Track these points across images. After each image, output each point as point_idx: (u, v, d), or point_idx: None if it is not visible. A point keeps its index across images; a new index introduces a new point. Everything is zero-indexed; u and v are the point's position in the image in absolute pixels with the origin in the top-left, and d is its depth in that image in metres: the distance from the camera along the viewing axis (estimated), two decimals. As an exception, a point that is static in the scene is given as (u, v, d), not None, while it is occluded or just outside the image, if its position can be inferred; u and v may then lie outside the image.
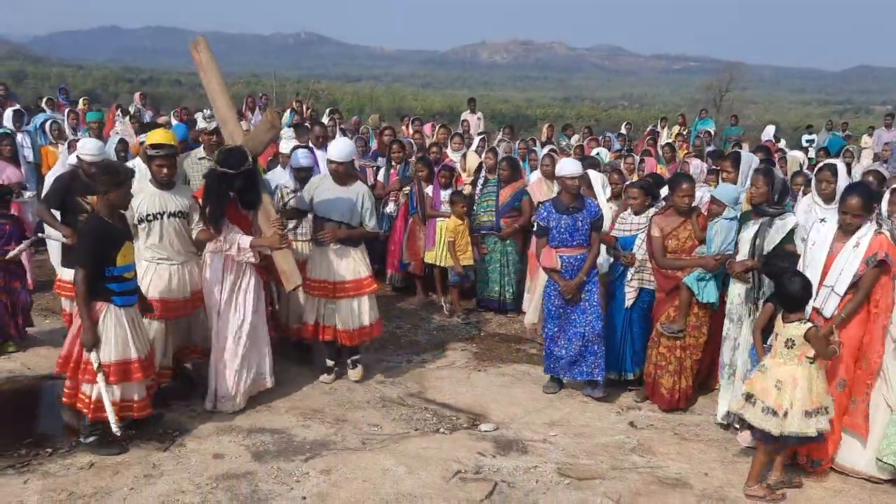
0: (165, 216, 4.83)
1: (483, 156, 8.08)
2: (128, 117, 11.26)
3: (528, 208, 7.38)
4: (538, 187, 7.43)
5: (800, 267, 4.49)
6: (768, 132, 14.65)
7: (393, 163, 8.41)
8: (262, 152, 5.22)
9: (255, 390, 5.13)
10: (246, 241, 4.85)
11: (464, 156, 8.75)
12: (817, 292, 4.36)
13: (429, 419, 5.10)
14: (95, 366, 4.17)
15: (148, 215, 4.79)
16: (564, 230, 5.33)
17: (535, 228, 5.59)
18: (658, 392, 5.33)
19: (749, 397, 4.13)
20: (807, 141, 16.39)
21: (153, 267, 4.87)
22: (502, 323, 7.43)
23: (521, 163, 8.08)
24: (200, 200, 5.02)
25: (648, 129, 13.20)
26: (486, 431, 4.89)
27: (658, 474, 4.38)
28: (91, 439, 4.31)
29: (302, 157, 6.14)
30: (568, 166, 5.38)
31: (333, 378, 5.60)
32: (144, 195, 4.81)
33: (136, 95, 14.79)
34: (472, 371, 6.05)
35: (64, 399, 4.40)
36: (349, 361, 5.63)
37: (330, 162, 5.43)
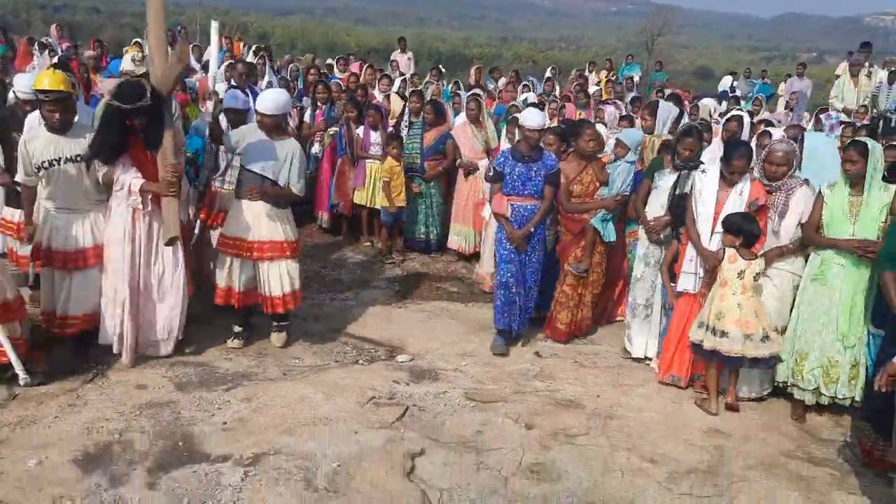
0: (62, 162, 4.59)
1: (408, 99, 8.21)
2: (46, 51, 10.81)
3: (452, 151, 7.60)
4: (462, 131, 7.63)
5: (693, 214, 4.89)
6: (725, 82, 14.79)
7: (318, 103, 8.46)
8: (171, 90, 4.83)
9: (149, 351, 4.93)
10: (137, 183, 4.62)
11: (387, 97, 8.86)
12: (710, 238, 4.79)
13: (348, 352, 5.38)
14: None
15: (44, 162, 4.58)
16: (518, 178, 5.31)
17: (490, 174, 5.61)
18: (554, 326, 5.72)
19: (702, 325, 4.64)
20: (728, 88, 17.00)
21: (52, 216, 4.70)
22: (426, 262, 7.72)
23: (445, 106, 8.23)
24: None
25: (575, 74, 13.46)
26: (401, 362, 5.22)
27: (556, 397, 4.80)
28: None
29: (234, 98, 5.83)
30: (532, 117, 5.30)
31: (242, 344, 5.27)
32: (39, 141, 4.60)
33: (53, 28, 14.05)
34: (394, 308, 6.34)
35: None
36: (273, 323, 5.34)
37: (257, 113, 5.08)
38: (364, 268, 7.40)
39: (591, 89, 11.31)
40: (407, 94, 8.96)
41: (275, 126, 5.07)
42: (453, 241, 7.71)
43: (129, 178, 4.62)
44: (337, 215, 8.27)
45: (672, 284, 5.03)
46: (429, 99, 8.37)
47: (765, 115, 9.66)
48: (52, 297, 4.78)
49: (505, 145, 6.47)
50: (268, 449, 3.92)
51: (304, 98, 8.96)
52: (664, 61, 22.30)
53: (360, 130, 7.87)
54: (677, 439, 4.35)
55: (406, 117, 8.16)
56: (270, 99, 5.07)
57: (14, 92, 5.62)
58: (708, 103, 9.37)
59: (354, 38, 48.71)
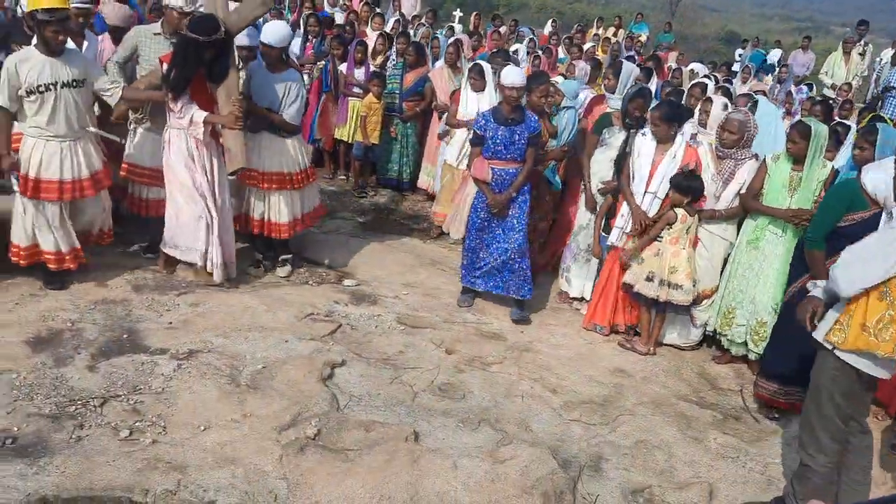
0: (58, 86, 4.49)
1: (395, 39, 8.41)
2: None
3: (430, 94, 7.83)
4: (440, 74, 7.85)
5: (629, 172, 5.17)
6: (774, 55, 14.29)
7: (309, 36, 8.67)
8: (243, 29, 5.02)
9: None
10: (200, 115, 4.77)
11: (380, 35, 9.03)
12: (642, 197, 5.09)
13: (300, 273, 5.75)
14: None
15: (39, 86, 4.43)
16: (500, 142, 5.16)
17: (470, 137, 5.50)
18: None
19: (651, 278, 4.97)
20: (739, 55, 16.92)
21: (41, 144, 4.56)
22: (395, 199, 8.03)
23: (426, 49, 8.42)
24: (165, 66, 4.80)
25: (575, 29, 13.48)
26: (346, 286, 5.59)
27: (482, 329, 5.18)
28: None
29: (243, 35, 5.50)
30: (511, 75, 5.15)
31: (263, 272, 5.61)
32: (32, 63, 4.43)
33: None
34: (352, 238, 6.68)
35: None
36: (279, 259, 5.67)
37: (261, 45, 5.20)
38: (334, 199, 7.72)
39: (588, 45, 11.37)
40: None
41: (277, 58, 5.23)
42: (423, 181, 8.00)
43: (192, 109, 4.77)
44: (318, 149, 8.55)
45: (603, 235, 5.35)
46: (413, 40, 8.55)
47: (748, 85, 9.79)
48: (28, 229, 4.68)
49: (467, 91, 6.67)
50: (202, 347, 4.33)
51: (297, 30, 9.15)
52: (689, 24, 22.03)
53: (343, 66, 8.10)
54: (581, 375, 4.73)
55: (392, 57, 8.37)
56: (273, 31, 5.18)
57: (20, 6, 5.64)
58: (696, 68, 9.49)
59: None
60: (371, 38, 9.21)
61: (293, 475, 3.35)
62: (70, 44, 4.74)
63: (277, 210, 5.45)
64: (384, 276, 5.88)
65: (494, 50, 8.43)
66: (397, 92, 7.94)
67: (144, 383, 3.93)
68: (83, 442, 3.43)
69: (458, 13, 13.92)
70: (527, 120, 5.23)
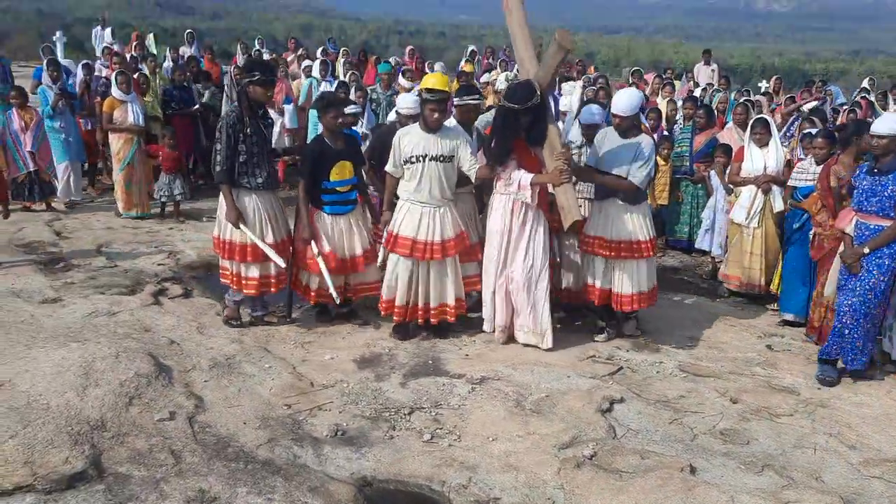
0: (427, 159, 4.96)
1: (683, 104, 8.57)
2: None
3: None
4: (729, 135, 7.79)
5: None
6: None
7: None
8: (550, 80, 5.10)
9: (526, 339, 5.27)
10: (527, 178, 4.86)
11: (669, 101, 9.26)
12: None
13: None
14: (315, 253, 5.23)
15: (411, 157, 4.99)
16: (863, 192, 4.80)
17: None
18: (811, 323, 5.67)
19: None
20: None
21: (407, 206, 5.11)
22: (683, 260, 8.02)
23: (714, 111, 8.42)
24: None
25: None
26: (628, 333, 5.72)
27: (772, 382, 4.96)
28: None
29: (595, 113, 5.79)
30: (886, 121, 4.77)
31: (607, 338, 5.50)
32: (411, 137, 5.03)
33: (407, 49, 16.42)
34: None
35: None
36: (624, 330, 5.56)
37: (614, 116, 5.20)
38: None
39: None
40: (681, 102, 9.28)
41: (630, 126, 5.19)
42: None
43: (519, 174, 4.89)
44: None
45: None
46: (704, 103, 8.62)
47: None
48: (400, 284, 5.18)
49: (752, 147, 6.53)
50: (493, 375, 4.81)
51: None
52: None
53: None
54: (889, 435, 4.29)
55: (680, 121, 8.53)
56: (625, 100, 5.18)
57: (397, 111, 6.19)
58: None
59: (682, 55, 47.99)
60: (662, 105, 9.49)
61: (569, 486, 3.59)
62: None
63: (620, 281, 5.32)
64: (667, 328, 5.91)
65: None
66: (686, 154, 8.04)
67: (444, 400, 4.50)
68: (394, 440, 4.05)
69: (764, 84, 13.61)
70: None
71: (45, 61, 9.04)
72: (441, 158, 5.01)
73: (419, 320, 5.32)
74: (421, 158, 4.99)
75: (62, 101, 8.37)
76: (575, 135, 5.88)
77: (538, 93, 4.78)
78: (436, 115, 4.95)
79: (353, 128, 6.47)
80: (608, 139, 5.30)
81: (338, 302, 5.40)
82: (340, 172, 5.25)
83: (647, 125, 8.15)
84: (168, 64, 11.90)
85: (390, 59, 13.14)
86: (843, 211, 5.05)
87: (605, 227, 5.26)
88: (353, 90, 8.95)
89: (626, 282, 5.30)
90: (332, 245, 5.31)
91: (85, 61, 10.20)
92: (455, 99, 5.55)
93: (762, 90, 11.68)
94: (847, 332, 4.83)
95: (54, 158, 8.30)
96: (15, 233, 7.38)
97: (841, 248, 5.02)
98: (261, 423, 4.10)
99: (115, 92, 8.10)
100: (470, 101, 5.49)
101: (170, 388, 4.33)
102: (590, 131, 5.69)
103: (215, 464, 3.66)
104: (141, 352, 4.66)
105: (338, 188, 5.28)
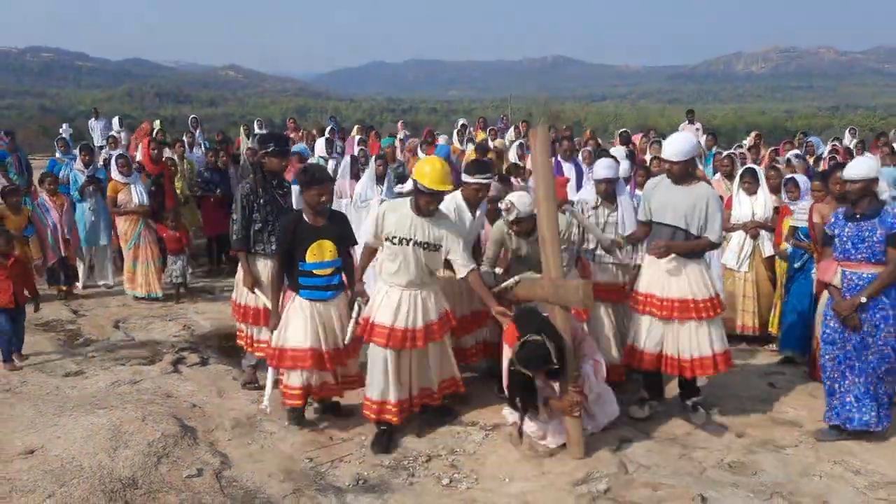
0: (411, 244, 4.56)
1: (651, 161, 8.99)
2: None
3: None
4: (718, 186, 8.13)
5: None
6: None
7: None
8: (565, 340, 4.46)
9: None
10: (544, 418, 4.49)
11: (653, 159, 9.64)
12: None
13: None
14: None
15: (394, 237, 4.58)
16: (847, 240, 4.57)
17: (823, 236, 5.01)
18: (813, 362, 5.84)
19: None
20: None
21: (385, 289, 4.68)
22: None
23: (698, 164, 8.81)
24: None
25: (878, 134, 12.75)
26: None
27: (775, 417, 5.14)
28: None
29: (604, 168, 5.45)
30: (858, 165, 4.63)
31: (648, 411, 5.07)
32: (398, 216, 4.61)
33: (399, 124, 17.06)
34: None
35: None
36: (689, 402, 5.05)
37: (665, 161, 4.83)
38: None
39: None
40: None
41: (682, 172, 4.78)
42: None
43: (532, 426, 4.54)
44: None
45: None
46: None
47: None
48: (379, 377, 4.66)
49: (740, 196, 6.88)
50: (504, 421, 4.96)
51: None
52: None
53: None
54: (891, 459, 4.44)
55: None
56: (672, 146, 4.79)
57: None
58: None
59: (667, 118, 49.39)
60: (649, 161, 9.90)
61: (586, 519, 3.74)
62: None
63: (676, 344, 4.84)
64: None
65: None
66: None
67: (460, 446, 4.66)
68: (414, 486, 4.20)
69: (747, 140, 14.05)
70: (882, 215, 4.49)
71: (77, 147, 9.33)
72: (426, 246, 4.58)
73: (414, 409, 4.86)
74: (405, 241, 4.57)
75: (91, 186, 8.68)
76: (588, 194, 5.62)
77: (554, 359, 4.22)
78: (431, 208, 4.56)
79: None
80: (661, 188, 4.89)
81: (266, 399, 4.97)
82: (319, 253, 4.67)
83: (635, 182, 8.50)
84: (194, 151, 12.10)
85: (399, 134, 13.62)
86: (823, 263, 4.82)
87: (660, 284, 4.81)
88: (372, 162, 8.97)
89: (683, 343, 4.80)
90: (306, 334, 4.70)
91: (116, 150, 10.53)
92: (465, 175, 5.13)
93: (745, 146, 12.13)
94: (837, 386, 4.69)
95: (81, 241, 8.54)
96: (32, 313, 7.59)
97: (824, 299, 4.89)
98: (285, 475, 4.25)
99: (116, 175, 8.32)
100: (482, 181, 5.03)
101: (196, 447, 4.49)
102: (606, 186, 5.42)
103: (245, 514, 3.80)
104: (166, 415, 4.83)
105: (314, 271, 4.70)
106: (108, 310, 7.87)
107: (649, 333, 4.91)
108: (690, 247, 4.75)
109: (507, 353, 4.54)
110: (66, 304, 8.02)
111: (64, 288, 8.27)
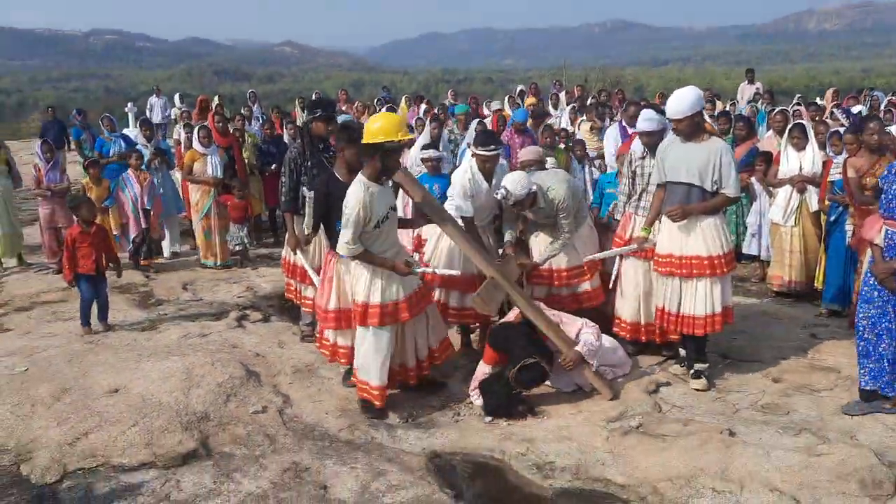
0: (390, 213, 4.53)
1: (717, 118, 8.97)
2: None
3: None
4: (769, 143, 8.12)
5: None
6: None
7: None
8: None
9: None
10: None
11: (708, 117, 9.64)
12: None
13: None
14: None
15: (380, 218, 4.46)
16: (893, 197, 4.19)
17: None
18: (853, 314, 5.87)
19: None
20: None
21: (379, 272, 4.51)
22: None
23: (754, 123, 8.77)
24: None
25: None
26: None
27: (814, 363, 5.26)
28: None
29: (645, 120, 5.16)
30: None
31: (706, 383, 4.86)
32: (376, 198, 4.41)
33: (450, 93, 17.21)
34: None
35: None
36: (692, 371, 4.95)
37: (671, 120, 4.73)
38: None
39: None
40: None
41: (689, 127, 4.62)
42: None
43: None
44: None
45: None
46: (740, 114, 8.98)
47: None
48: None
49: (788, 151, 6.86)
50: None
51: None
52: None
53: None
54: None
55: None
56: (675, 103, 4.61)
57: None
58: None
59: (733, 81, 47.98)
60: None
61: (617, 449, 4.01)
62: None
63: (692, 301, 4.75)
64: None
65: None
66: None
67: (503, 390, 4.95)
68: (459, 423, 4.53)
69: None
70: None
71: (139, 121, 9.87)
72: (393, 209, 4.61)
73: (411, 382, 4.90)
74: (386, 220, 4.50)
75: (157, 160, 9.20)
76: (637, 145, 5.45)
77: (547, 369, 4.56)
78: (399, 165, 4.63)
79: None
80: (672, 149, 4.79)
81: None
82: None
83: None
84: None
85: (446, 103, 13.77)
86: (869, 218, 4.51)
87: (675, 241, 4.76)
88: (427, 125, 9.18)
89: (698, 301, 4.73)
90: (340, 292, 4.73)
91: (186, 121, 11.07)
92: (472, 147, 5.33)
93: (824, 103, 11.91)
94: (871, 348, 4.35)
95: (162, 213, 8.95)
96: (116, 278, 8.18)
97: (867, 256, 4.61)
98: (341, 413, 4.64)
99: (197, 145, 8.78)
100: (486, 153, 5.18)
101: (260, 388, 4.91)
102: (648, 138, 5.17)
103: (305, 443, 4.21)
104: (233, 361, 5.27)
105: None
106: (177, 273, 8.40)
107: (671, 295, 4.82)
108: (707, 207, 4.64)
109: (482, 370, 4.79)
110: (139, 270, 8.58)
111: (146, 261, 8.60)
